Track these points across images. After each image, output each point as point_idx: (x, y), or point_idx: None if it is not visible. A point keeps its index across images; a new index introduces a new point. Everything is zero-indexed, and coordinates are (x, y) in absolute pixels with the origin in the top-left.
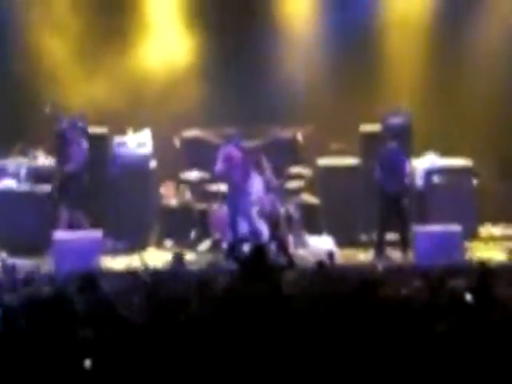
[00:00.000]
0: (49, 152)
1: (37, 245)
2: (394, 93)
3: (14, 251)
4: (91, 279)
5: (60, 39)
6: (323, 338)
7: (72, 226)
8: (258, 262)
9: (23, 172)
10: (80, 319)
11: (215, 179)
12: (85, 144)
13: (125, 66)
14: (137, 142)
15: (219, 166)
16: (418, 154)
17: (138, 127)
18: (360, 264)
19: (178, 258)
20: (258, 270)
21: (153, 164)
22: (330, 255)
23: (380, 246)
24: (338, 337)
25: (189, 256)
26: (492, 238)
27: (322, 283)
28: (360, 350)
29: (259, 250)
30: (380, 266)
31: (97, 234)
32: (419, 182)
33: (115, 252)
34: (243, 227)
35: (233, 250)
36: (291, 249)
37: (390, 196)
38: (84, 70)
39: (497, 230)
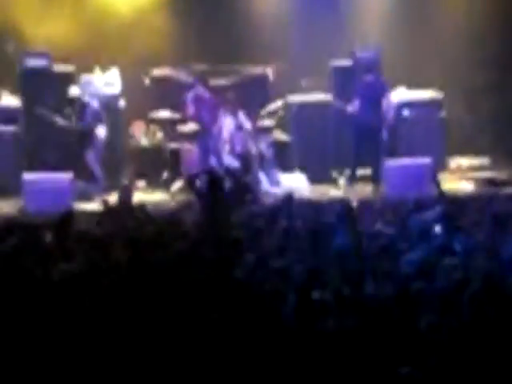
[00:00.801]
0: (13, 91)
1: (5, 186)
2: (362, 27)
3: None
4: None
5: None
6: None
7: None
8: (214, 193)
9: None
10: None
11: (186, 118)
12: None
13: (88, 3)
14: (104, 82)
15: (189, 109)
16: (389, 88)
17: (104, 65)
18: (333, 199)
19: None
20: (214, 202)
21: (121, 104)
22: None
23: (352, 180)
24: None
25: (161, 196)
26: (460, 170)
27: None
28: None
29: (214, 182)
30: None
31: (67, 175)
32: (390, 115)
33: (88, 194)
34: (214, 166)
35: (192, 182)
36: (263, 187)
37: (368, 129)
38: (45, 6)
39: (465, 162)
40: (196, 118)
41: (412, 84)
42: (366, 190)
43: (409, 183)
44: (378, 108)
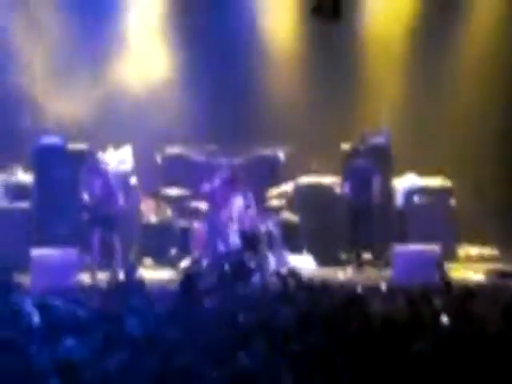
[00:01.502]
0: (27, 168)
1: (15, 261)
2: (373, 112)
3: None
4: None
5: (38, 56)
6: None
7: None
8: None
9: (1, 189)
10: None
11: (196, 196)
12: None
13: (102, 81)
14: (117, 160)
15: (204, 187)
16: (398, 173)
17: (118, 143)
18: (338, 282)
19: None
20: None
21: (133, 180)
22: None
23: (358, 261)
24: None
25: (169, 273)
26: (469, 259)
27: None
28: (343, 365)
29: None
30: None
31: (73, 251)
32: (399, 201)
33: (94, 269)
34: (220, 246)
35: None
36: (271, 268)
37: (358, 210)
38: (60, 86)
39: (474, 251)
40: (208, 197)
41: (420, 171)
42: (373, 274)
43: (416, 269)
44: (368, 190)
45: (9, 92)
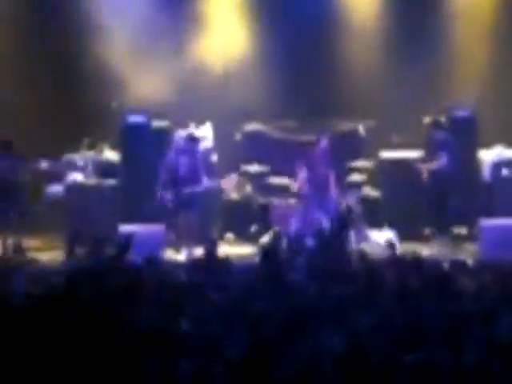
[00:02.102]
0: (114, 146)
1: (105, 236)
2: (457, 84)
3: (83, 243)
4: None
5: (123, 39)
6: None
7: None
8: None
9: (90, 166)
10: None
11: (277, 173)
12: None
13: (183, 61)
14: (198, 136)
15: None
16: (486, 145)
17: (198, 121)
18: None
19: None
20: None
21: (214, 158)
22: (391, 246)
23: (443, 238)
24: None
25: (249, 249)
26: None
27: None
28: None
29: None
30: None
31: (160, 227)
32: (487, 174)
33: (179, 246)
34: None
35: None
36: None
37: (447, 184)
38: (144, 66)
39: None
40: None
41: (508, 143)
42: (461, 249)
43: (506, 244)
44: (453, 162)
45: (96, 72)
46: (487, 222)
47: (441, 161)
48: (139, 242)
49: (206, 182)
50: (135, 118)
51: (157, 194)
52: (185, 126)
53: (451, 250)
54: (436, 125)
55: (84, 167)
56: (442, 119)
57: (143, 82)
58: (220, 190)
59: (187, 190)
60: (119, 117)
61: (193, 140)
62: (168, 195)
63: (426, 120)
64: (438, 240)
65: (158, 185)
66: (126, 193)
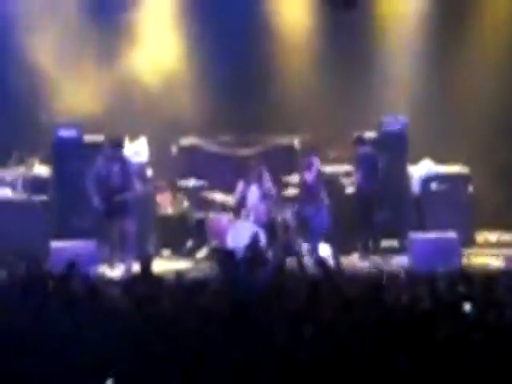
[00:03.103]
0: (44, 161)
1: (34, 253)
2: (389, 100)
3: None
4: None
5: (52, 50)
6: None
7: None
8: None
9: (20, 182)
10: None
11: (213, 187)
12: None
13: (116, 73)
14: (133, 151)
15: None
16: (415, 161)
17: (132, 135)
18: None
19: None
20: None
21: (149, 172)
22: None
23: (365, 250)
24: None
25: (186, 264)
26: (488, 245)
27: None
28: (363, 354)
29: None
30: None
31: (92, 243)
32: (416, 188)
33: (113, 261)
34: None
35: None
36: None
37: (368, 198)
38: (75, 80)
39: (493, 237)
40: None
41: (437, 158)
42: (390, 262)
43: (434, 257)
44: (375, 176)
45: (23, 87)
46: (417, 235)
47: (358, 176)
48: (72, 258)
49: (138, 188)
50: (66, 132)
51: (90, 209)
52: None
53: (383, 262)
54: (359, 140)
55: (13, 183)
56: (366, 135)
57: (73, 94)
58: (154, 205)
59: (119, 198)
60: (49, 130)
61: (117, 146)
62: (100, 204)
63: (354, 135)
64: (369, 253)
65: (88, 195)
66: (57, 209)
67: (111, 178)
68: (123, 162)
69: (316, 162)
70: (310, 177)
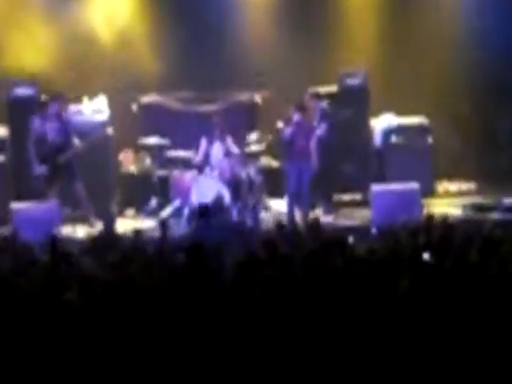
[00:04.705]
0: (1, 121)
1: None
2: (348, 53)
3: None
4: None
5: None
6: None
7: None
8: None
9: None
10: None
11: (175, 145)
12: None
13: (68, 29)
14: (92, 109)
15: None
16: (376, 114)
17: (92, 94)
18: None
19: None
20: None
21: (110, 131)
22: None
23: (329, 205)
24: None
25: (150, 223)
26: (448, 194)
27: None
28: (327, 309)
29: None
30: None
31: (54, 203)
32: (377, 141)
33: (75, 221)
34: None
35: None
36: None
37: (330, 151)
38: (31, 38)
39: (453, 187)
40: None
41: (397, 110)
42: (355, 215)
43: (397, 208)
44: (342, 131)
45: None
46: (379, 188)
47: (320, 130)
48: (33, 220)
49: (77, 145)
50: (22, 91)
51: (30, 168)
52: (77, 99)
53: (346, 216)
54: (315, 96)
55: None
56: (326, 89)
57: (26, 50)
58: (116, 163)
59: (61, 159)
60: (4, 88)
61: (53, 102)
62: (42, 167)
63: (309, 91)
64: (333, 207)
65: (29, 158)
66: (15, 169)
67: (49, 137)
68: (60, 120)
69: (296, 116)
70: (288, 131)
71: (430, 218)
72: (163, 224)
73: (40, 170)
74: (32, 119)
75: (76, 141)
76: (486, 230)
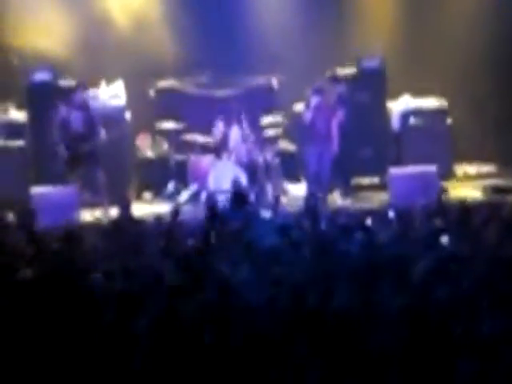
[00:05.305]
0: (20, 106)
1: (13, 200)
2: (366, 35)
3: None
4: None
5: None
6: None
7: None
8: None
9: None
10: None
11: (192, 129)
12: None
13: (86, 15)
14: (110, 94)
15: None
16: (393, 96)
17: (108, 79)
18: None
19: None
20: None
21: (127, 115)
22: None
23: (347, 188)
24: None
25: (167, 207)
26: (467, 177)
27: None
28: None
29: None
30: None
31: (73, 188)
32: (395, 124)
33: (93, 205)
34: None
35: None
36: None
37: (349, 135)
38: (47, 23)
39: (472, 169)
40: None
41: (416, 92)
42: (373, 198)
43: (414, 191)
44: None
45: None
46: (396, 171)
47: (338, 116)
48: (52, 204)
49: (103, 136)
50: (41, 76)
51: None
52: (95, 84)
53: (364, 199)
54: (333, 79)
55: None
56: (339, 72)
57: (43, 35)
58: (133, 148)
59: (85, 148)
60: (22, 73)
61: (78, 91)
62: (65, 153)
63: (326, 74)
64: (351, 191)
65: (55, 143)
66: (35, 154)
67: (74, 126)
68: (85, 109)
69: (314, 99)
70: (308, 115)
71: (447, 200)
72: (175, 211)
73: (65, 153)
74: (58, 107)
75: (103, 132)
76: (506, 212)
